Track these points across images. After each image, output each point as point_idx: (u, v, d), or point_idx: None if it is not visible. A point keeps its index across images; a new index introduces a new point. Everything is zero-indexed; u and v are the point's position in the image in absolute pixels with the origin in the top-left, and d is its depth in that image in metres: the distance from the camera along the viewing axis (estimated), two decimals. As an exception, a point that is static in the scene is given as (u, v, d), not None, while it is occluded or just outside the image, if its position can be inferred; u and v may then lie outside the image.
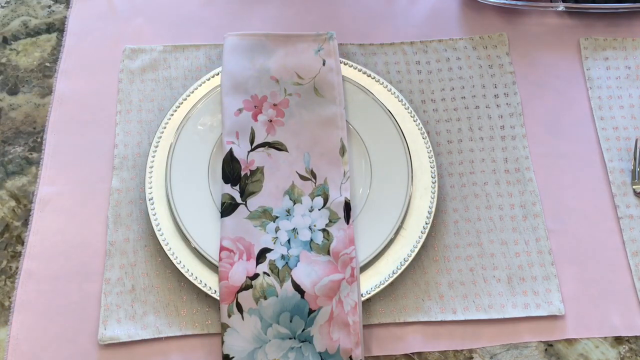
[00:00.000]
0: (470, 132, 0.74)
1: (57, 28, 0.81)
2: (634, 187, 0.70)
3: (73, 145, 0.72)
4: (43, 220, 0.68)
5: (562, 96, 0.76)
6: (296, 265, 0.63)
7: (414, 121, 0.71)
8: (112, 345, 0.62)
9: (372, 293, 0.62)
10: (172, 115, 0.71)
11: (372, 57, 0.78)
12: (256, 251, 0.64)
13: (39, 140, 0.73)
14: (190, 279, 0.63)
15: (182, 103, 0.72)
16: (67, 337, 0.62)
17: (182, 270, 0.63)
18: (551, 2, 0.80)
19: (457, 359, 0.62)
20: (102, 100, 0.75)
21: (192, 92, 0.73)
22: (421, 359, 0.62)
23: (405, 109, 0.72)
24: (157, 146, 0.70)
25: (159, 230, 0.65)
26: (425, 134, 0.71)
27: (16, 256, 0.66)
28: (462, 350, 0.63)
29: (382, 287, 0.63)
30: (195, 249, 0.64)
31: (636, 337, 0.63)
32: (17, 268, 0.66)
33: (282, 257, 0.64)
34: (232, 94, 0.71)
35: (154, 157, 0.69)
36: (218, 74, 0.74)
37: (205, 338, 0.63)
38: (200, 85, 0.73)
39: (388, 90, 0.73)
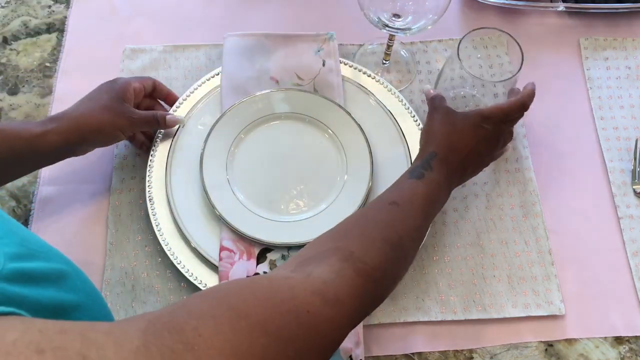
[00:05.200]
0: (470, 132, 0.73)
1: (57, 28, 0.81)
2: (634, 187, 0.70)
3: (73, 145, 0.72)
4: (43, 220, 0.68)
5: (562, 96, 0.76)
6: (296, 265, 0.63)
7: (414, 121, 0.71)
8: (112, 345, 0.62)
9: (372, 293, 0.62)
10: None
11: (372, 57, 0.78)
12: (256, 251, 0.64)
13: (39, 140, 0.73)
14: (190, 279, 0.63)
15: (182, 103, 0.72)
16: (67, 337, 0.62)
17: (182, 270, 0.63)
18: (551, 2, 0.80)
19: (457, 359, 0.62)
20: (102, 100, 0.75)
21: (192, 92, 0.72)
22: (421, 359, 0.62)
23: (406, 109, 0.72)
24: (156, 146, 0.70)
25: (159, 230, 0.65)
26: (425, 134, 0.71)
27: (16, 256, 0.66)
28: (462, 350, 0.63)
29: (382, 287, 0.63)
30: (195, 249, 0.64)
31: (636, 337, 0.63)
32: (17, 268, 0.65)
33: (283, 257, 0.64)
34: (232, 95, 0.71)
35: (153, 157, 0.69)
36: (218, 74, 0.74)
37: (205, 338, 0.62)
38: (200, 85, 0.73)
39: (388, 90, 0.73)
